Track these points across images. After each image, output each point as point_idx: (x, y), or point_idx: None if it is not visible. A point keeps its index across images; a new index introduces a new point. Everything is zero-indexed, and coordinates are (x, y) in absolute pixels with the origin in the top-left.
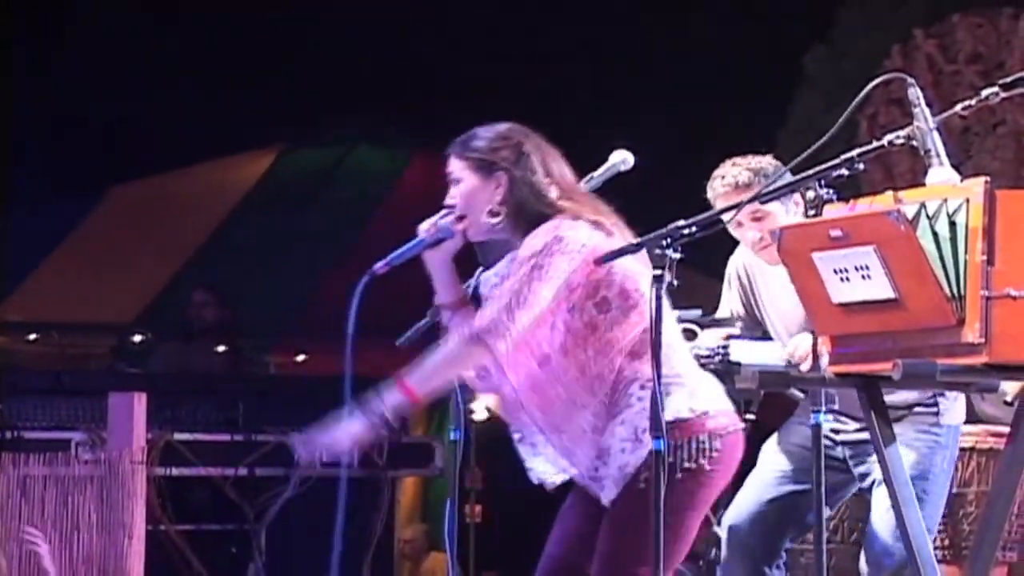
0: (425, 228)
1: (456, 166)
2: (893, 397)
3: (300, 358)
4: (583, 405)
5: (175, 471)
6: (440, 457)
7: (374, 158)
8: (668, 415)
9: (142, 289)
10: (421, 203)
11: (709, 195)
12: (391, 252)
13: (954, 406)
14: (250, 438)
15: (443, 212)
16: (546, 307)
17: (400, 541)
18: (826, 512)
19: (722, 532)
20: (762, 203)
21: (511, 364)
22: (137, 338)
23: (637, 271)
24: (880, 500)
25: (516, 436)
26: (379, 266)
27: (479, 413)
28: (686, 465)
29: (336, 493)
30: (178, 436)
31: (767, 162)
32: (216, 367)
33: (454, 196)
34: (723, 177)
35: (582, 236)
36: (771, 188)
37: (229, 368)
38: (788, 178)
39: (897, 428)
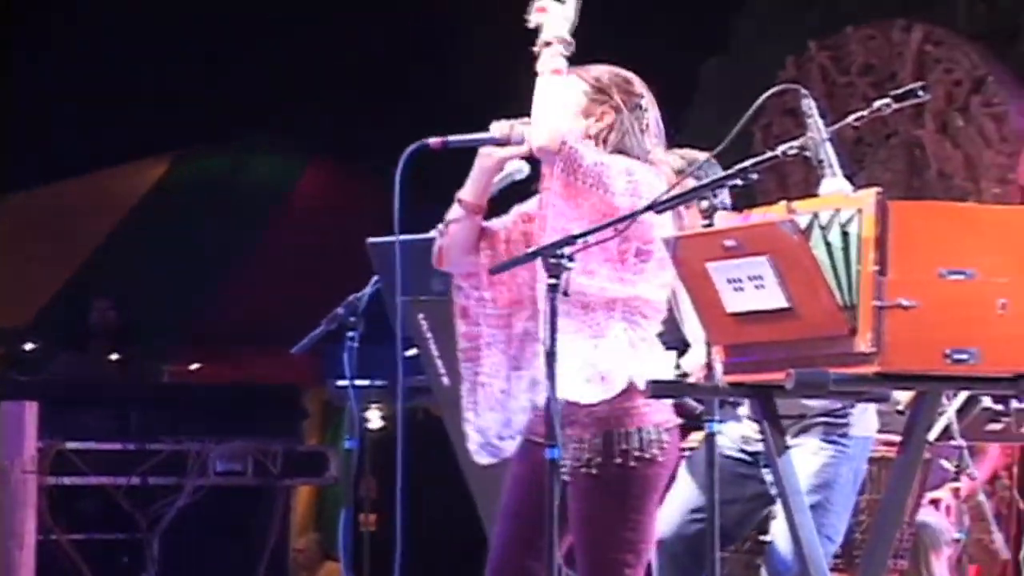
0: (500, 125)
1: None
2: (806, 403)
3: (194, 367)
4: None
5: (67, 480)
6: (335, 466)
7: (269, 167)
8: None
9: (36, 296)
10: (316, 212)
11: None
12: (287, 261)
13: (864, 417)
14: (143, 447)
15: (524, 119)
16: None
17: (293, 550)
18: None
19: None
20: (658, 212)
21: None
22: (29, 346)
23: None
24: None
25: (476, 382)
26: (434, 141)
27: (374, 422)
28: (638, 455)
29: (228, 502)
30: (70, 445)
31: (700, 156)
32: (109, 375)
33: None
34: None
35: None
36: (666, 198)
37: (122, 377)
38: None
39: (805, 436)
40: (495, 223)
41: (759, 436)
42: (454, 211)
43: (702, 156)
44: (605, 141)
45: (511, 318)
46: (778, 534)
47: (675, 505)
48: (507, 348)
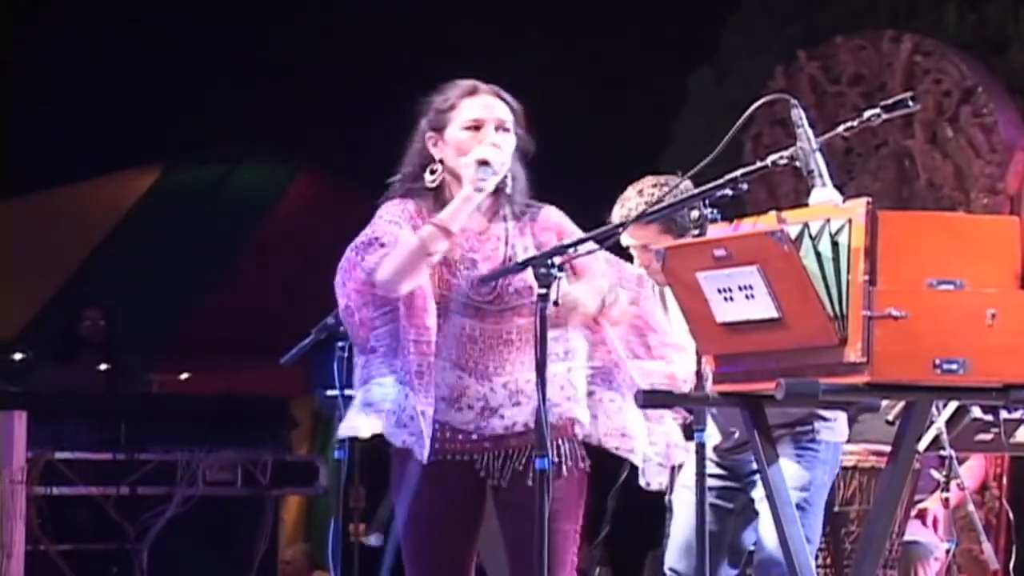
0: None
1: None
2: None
3: (183, 377)
4: None
5: (56, 490)
6: (324, 476)
7: (257, 178)
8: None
9: (24, 306)
10: (304, 222)
11: (615, 213)
12: (275, 271)
13: (833, 426)
14: (132, 457)
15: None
16: None
17: (281, 561)
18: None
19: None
20: (647, 223)
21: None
22: (18, 356)
23: None
24: (766, 511)
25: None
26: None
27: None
28: (570, 464)
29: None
30: (59, 455)
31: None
32: (98, 386)
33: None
34: (626, 202)
35: None
36: (655, 208)
37: (111, 387)
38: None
39: (777, 446)
40: None
41: (729, 446)
42: (434, 236)
43: (684, 186)
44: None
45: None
46: (765, 534)
47: (681, 536)
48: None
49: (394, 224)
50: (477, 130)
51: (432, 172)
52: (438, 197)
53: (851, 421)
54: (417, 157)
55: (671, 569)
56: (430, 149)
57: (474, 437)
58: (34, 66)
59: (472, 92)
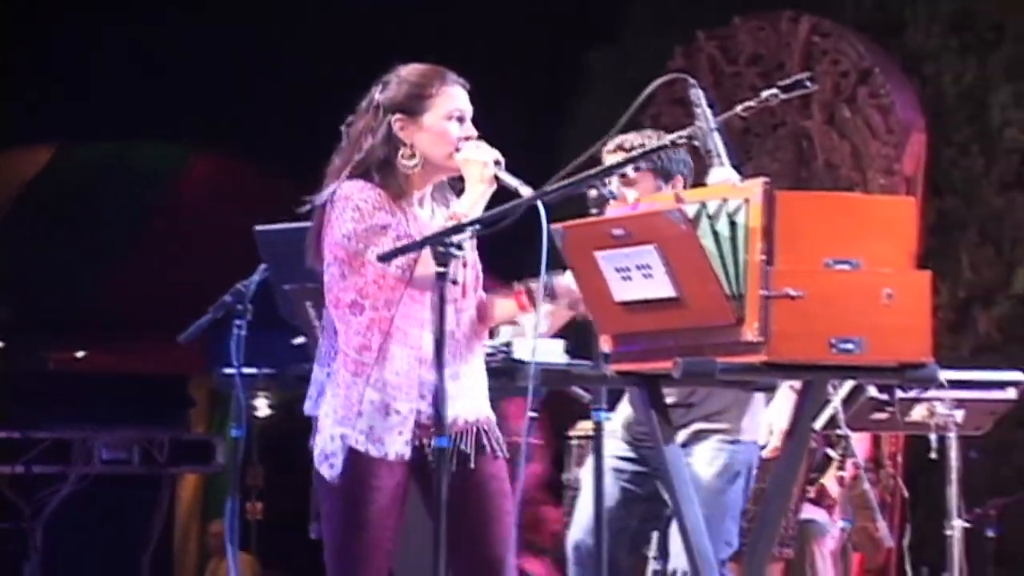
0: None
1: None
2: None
3: (80, 354)
4: None
5: None
6: (221, 454)
7: (156, 154)
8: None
9: None
10: (203, 200)
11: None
12: (174, 248)
13: (752, 423)
14: (27, 435)
15: None
16: None
17: (209, 535)
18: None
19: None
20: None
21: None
22: None
23: None
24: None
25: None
26: None
27: (261, 410)
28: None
29: (114, 490)
30: None
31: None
32: None
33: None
34: (617, 138)
35: None
36: (555, 186)
37: (6, 364)
38: (678, 159)
39: (699, 444)
40: None
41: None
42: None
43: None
44: None
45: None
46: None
47: (586, 513)
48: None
49: (381, 210)
50: (461, 122)
51: (409, 158)
52: (400, 183)
53: None
54: (384, 140)
55: (575, 545)
56: (397, 133)
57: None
58: None
59: (452, 81)
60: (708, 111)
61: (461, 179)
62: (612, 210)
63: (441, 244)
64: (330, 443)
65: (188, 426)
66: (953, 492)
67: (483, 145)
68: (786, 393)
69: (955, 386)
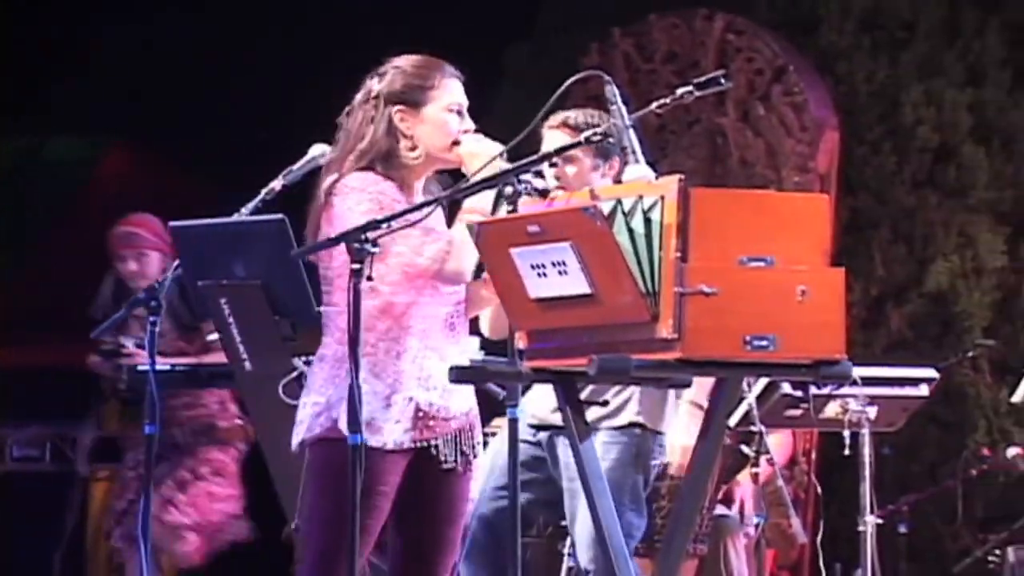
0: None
1: None
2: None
3: None
4: None
5: None
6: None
7: (67, 150)
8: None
9: None
10: (116, 196)
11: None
12: (87, 244)
13: (653, 413)
14: None
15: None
16: None
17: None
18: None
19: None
20: (458, 198)
21: None
22: None
23: None
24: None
25: None
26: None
27: None
28: None
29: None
30: None
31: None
32: None
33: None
34: (560, 112)
35: None
36: (469, 184)
37: None
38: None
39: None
40: None
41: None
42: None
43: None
44: None
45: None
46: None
47: (476, 489)
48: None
49: (399, 201)
50: (460, 115)
51: (411, 150)
52: (403, 175)
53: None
54: (386, 132)
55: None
56: (397, 124)
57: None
58: None
59: (450, 74)
60: (623, 108)
61: (452, 172)
62: (527, 206)
63: (357, 240)
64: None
65: (100, 423)
66: (866, 488)
67: (483, 138)
68: (688, 410)
69: (868, 383)
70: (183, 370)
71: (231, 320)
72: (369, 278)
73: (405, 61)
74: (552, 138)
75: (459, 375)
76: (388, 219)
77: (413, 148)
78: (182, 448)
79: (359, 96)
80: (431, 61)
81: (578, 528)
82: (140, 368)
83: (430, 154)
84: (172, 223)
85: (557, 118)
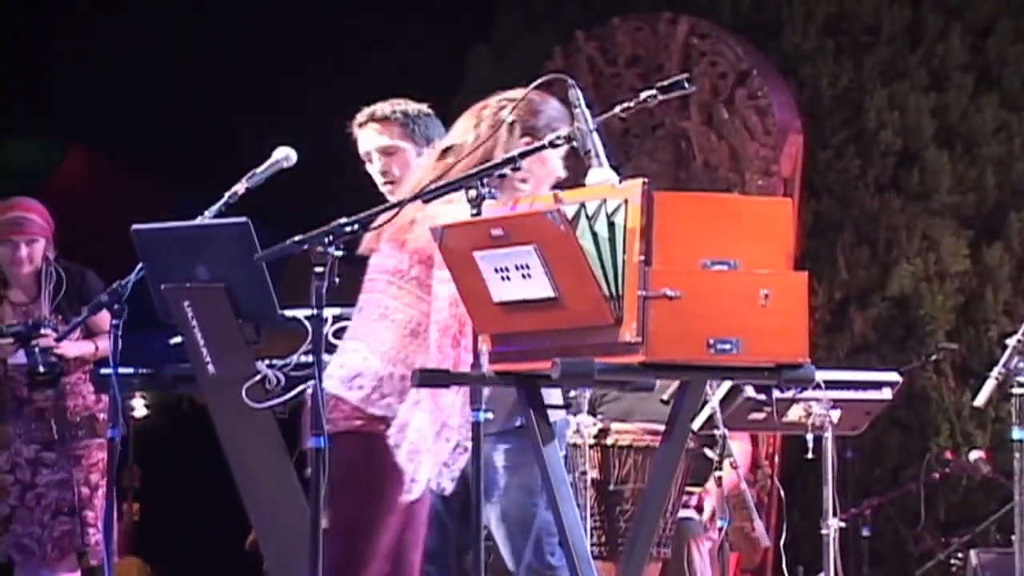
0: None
1: None
2: None
3: None
4: None
5: None
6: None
7: (27, 153)
8: None
9: None
10: (77, 199)
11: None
12: None
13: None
14: None
15: None
16: None
17: None
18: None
19: None
20: (425, 201)
21: None
22: None
23: None
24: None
25: None
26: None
27: (138, 410)
28: None
29: None
30: None
31: (414, 105)
32: None
33: None
34: (366, 108)
35: None
36: (434, 186)
37: None
38: (434, 126)
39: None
40: None
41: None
42: None
43: (413, 106)
44: None
45: None
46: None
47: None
48: None
49: None
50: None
51: (522, 181)
52: (504, 199)
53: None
54: (506, 159)
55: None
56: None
57: None
58: None
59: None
60: (587, 112)
61: None
62: (490, 210)
63: (320, 244)
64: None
65: None
66: (829, 492)
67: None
68: None
69: (831, 386)
70: (146, 373)
71: (194, 323)
72: (336, 281)
73: (541, 97)
74: (364, 136)
75: (423, 379)
76: (356, 221)
77: (524, 181)
78: (62, 445)
79: (486, 115)
80: (562, 104)
81: (494, 530)
82: (103, 371)
83: (534, 189)
84: (135, 226)
85: (364, 114)
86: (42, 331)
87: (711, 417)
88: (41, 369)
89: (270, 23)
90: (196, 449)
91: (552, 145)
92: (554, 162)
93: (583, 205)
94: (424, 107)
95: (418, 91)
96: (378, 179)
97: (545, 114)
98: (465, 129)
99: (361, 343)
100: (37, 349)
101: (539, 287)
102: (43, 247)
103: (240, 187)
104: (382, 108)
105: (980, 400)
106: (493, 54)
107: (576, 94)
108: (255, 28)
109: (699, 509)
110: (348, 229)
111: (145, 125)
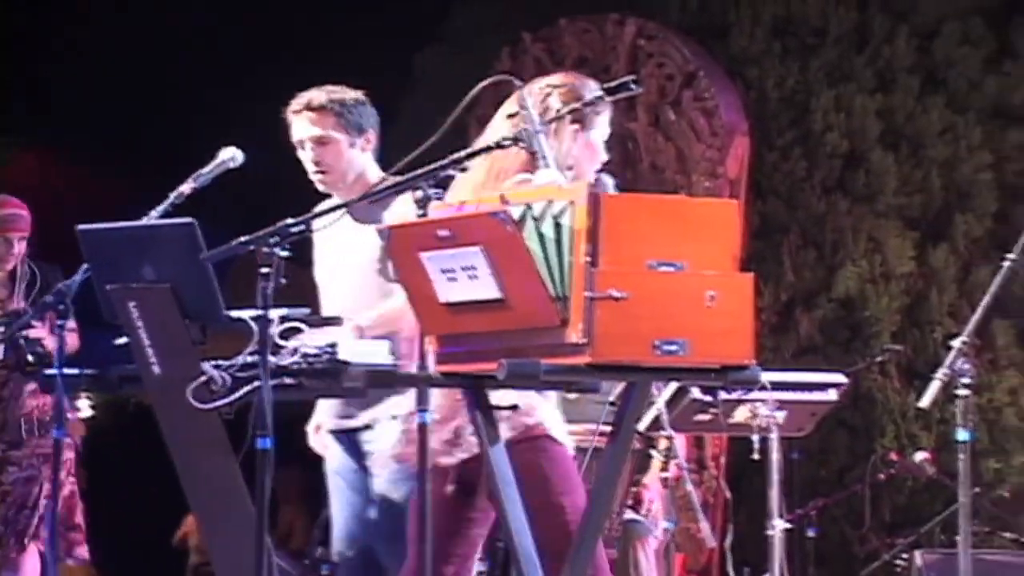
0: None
1: None
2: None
3: None
4: None
5: None
6: None
7: None
8: None
9: None
10: (28, 199)
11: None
12: None
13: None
14: None
15: None
16: None
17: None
18: None
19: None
20: (372, 202)
21: None
22: None
23: None
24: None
25: None
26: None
27: (84, 411)
28: None
29: None
30: None
31: (350, 94)
32: None
33: None
34: (300, 96)
35: None
36: (380, 188)
37: None
38: (368, 115)
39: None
40: None
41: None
42: None
43: (350, 94)
44: None
45: None
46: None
47: (342, 525)
48: None
49: None
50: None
51: (567, 168)
52: None
53: None
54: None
55: (339, 553)
56: (568, 142)
57: None
58: None
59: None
60: (534, 113)
61: None
62: (436, 211)
63: (266, 244)
64: None
65: None
66: (775, 493)
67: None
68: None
69: (777, 388)
70: (91, 374)
71: (140, 323)
72: (284, 280)
73: (580, 81)
74: (298, 124)
75: (372, 379)
76: (302, 221)
77: (569, 168)
78: (25, 446)
79: (531, 102)
80: (587, 83)
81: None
82: (48, 372)
83: (576, 175)
84: (80, 226)
85: (300, 102)
86: (32, 323)
87: (657, 418)
88: (30, 358)
89: (224, 22)
90: (142, 450)
91: (499, 146)
92: (599, 146)
93: (530, 206)
94: (360, 95)
95: (367, 90)
96: (309, 167)
97: (588, 96)
98: (513, 122)
99: None
100: (23, 340)
101: (486, 288)
102: (25, 245)
103: (186, 187)
104: (317, 97)
105: (925, 401)
106: (443, 54)
107: (522, 96)
108: (210, 26)
109: (637, 505)
110: (294, 230)
111: (94, 124)
